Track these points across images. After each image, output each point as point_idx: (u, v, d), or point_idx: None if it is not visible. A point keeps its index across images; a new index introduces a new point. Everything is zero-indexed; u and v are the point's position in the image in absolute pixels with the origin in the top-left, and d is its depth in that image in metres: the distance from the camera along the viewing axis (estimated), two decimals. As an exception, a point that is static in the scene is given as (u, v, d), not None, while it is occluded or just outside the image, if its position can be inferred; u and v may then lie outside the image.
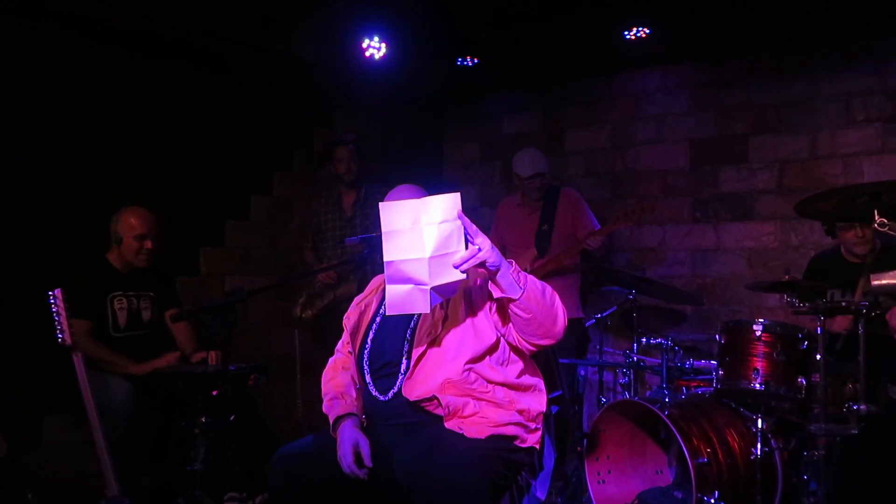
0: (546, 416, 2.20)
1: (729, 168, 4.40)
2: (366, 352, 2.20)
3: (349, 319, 2.33)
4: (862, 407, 2.73)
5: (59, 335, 2.80)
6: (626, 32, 3.97)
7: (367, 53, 4.01)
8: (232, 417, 2.96)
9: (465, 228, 1.88)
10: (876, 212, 2.41)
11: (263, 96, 4.32)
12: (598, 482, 3.31)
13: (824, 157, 4.13)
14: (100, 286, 3.30)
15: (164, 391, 3.22)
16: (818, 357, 2.82)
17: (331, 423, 2.14)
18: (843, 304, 2.83)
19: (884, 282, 2.70)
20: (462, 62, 4.41)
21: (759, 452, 2.95)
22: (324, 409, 2.21)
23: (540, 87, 5.00)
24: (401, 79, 4.47)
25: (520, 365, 2.15)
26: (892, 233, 2.40)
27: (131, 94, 3.81)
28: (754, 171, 4.32)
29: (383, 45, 4.00)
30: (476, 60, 4.39)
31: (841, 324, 3.21)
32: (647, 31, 3.95)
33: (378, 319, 2.24)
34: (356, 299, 2.39)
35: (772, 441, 3.02)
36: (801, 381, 2.92)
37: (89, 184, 3.62)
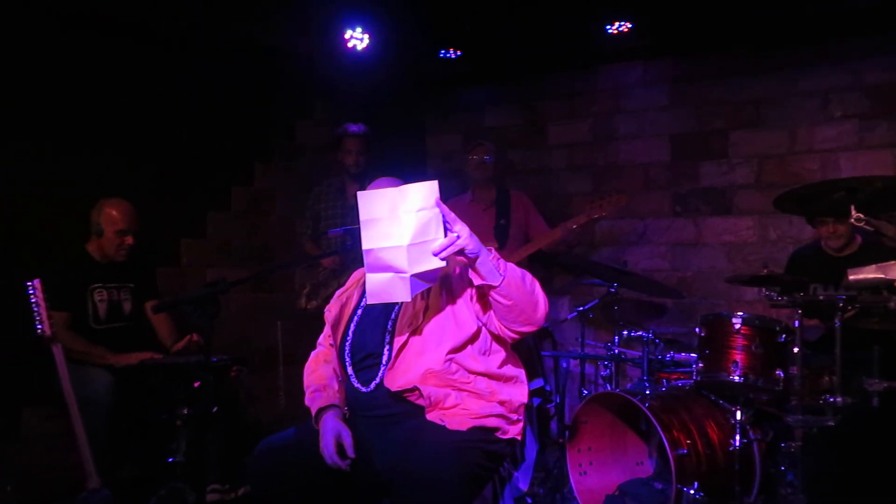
0: (528, 407, 2.21)
1: (709, 163, 4.43)
2: (347, 344, 2.20)
3: (330, 312, 2.32)
4: (838, 399, 2.77)
5: (39, 326, 2.77)
6: (608, 27, 4.00)
7: (350, 44, 4.00)
8: (214, 409, 2.94)
9: (443, 216, 1.88)
10: (853, 207, 2.45)
11: (245, 86, 4.29)
12: (580, 473, 3.34)
13: (802, 152, 4.18)
14: (79, 277, 3.26)
15: (145, 383, 3.20)
16: (796, 350, 2.87)
17: (313, 415, 2.14)
18: (821, 297, 2.86)
19: (861, 276, 2.76)
20: (445, 54, 4.40)
21: (737, 444, 2.98)
22: (306, 402, 2.20)
23: (521, 80, 5.00)
24: (383, 70, 4.44)
25: (502, 355, 2.16)
26: (868, 227, 2.44)
27: (112, 83, 3.77)
28: (733, 166, 4.36)
29: (366, 36, 3.98)
30: (459, 53, 4.38)
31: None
32: (630, 26, 3.97)
33: (359, 312, 2.24)
34: (337, 293, 2.39)
35: (750, 432, 3.06)
36: (779, 373, 2.96)
37: (68, 172, 3.58)
